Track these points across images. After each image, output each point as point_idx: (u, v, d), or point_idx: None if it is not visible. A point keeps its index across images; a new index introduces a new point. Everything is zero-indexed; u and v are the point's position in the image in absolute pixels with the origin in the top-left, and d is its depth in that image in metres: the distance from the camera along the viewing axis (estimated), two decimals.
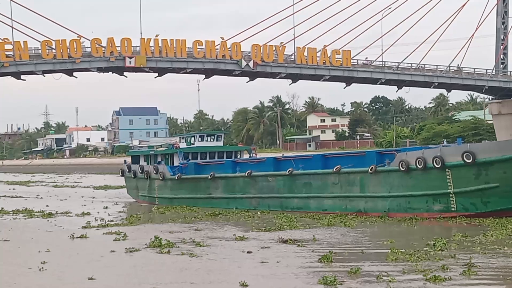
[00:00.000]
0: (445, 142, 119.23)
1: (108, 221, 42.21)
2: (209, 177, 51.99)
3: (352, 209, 42.11)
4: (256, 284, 21.60)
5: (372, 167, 41.27)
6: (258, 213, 45.73)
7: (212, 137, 60.94)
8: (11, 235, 36.43)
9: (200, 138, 60.25)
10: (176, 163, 57.49)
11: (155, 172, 57.78)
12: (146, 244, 30.59)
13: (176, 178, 55.05)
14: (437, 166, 38.24)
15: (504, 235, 30.65)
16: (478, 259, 24.76)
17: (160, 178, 56.94)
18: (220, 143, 61.08)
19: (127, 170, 63.89)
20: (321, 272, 22.91)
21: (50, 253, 29.21)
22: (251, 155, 61.06)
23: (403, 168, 39.62)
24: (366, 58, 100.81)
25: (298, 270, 23.83)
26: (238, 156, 58.57)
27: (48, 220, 44.78)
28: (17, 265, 26.62)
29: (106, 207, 53.61)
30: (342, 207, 42.71)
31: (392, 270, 22.96)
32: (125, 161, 68.25)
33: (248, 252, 28.06)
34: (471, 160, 37.25)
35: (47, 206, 55.08)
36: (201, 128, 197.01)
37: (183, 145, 60.19)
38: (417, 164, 38.89)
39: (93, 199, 63.21)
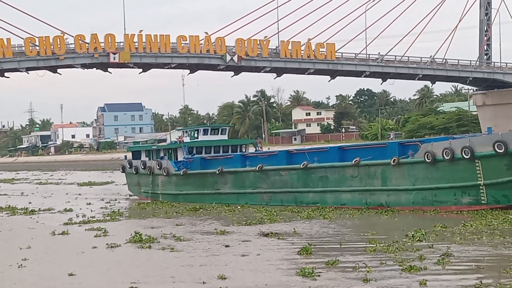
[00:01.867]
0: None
1: (90, 217, 42.13)
2: (217, 172, 50.09)
3: (374, 203, 40.62)
4: (235, 277, 21.78)
5: (394, 159, 39.67)
6: (239, 207, 45.69)
7: (216, 130, 59.14)
8: None
9: (204, 132, 58.24)
10: (180, 158, 55.63)
11: (158, 167, 55.65)
12: (126, 239, 30.69)
13: (182, 173, 53.00)
14: (466, 156, 36.90)
15: (483, 225, 30.93)
16: (455, 248, 25.04)
17: (164, 174, 54.87)
18: (225, 137, 59.28)
19: (128, 166, 61.53)
20: (300, 264, 23.06)
21: (31, 250, 29.26)
22: (257, 148, 59.24)
23: (428, 159, 38.16)
24: (431, 56, 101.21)
25: (277, 262, 24.02)
26: (243, 150, 57.02)
27: (31, 217, 44.67)
28: None
29: (89, 203, 53.49)
30: (362, 201, 41.22)
31: (370, 261, 23.19)
32: (125, 156, 66.60)
33: (226, 246, 28.21)
34: (503, 150, 35.98)
35: (29, 203, 54.98)
36: (190, 123, 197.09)
37: (186, 139, 58.44)
38: (444, 155, 37.55)
39: (77, 196, 62.88)
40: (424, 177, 38.96)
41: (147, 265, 24.87)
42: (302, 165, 44.44)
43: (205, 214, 42.94)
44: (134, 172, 59.78)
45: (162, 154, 58.40)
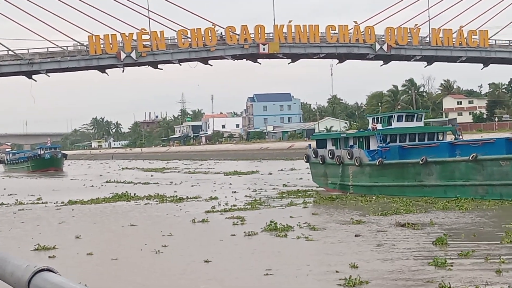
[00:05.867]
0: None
1: (232, 205, 42.77)
2: (420, 161, 45.52)
3: None
4: (366, 265, 21.97)
5: None
6: (374, 197, 45.20)
7: (411, 117, 54.07)
8: (140, 220, 37.88)
9: (398, 118, 53.09)
10: (372, 147, 50.95)
11: (349, 157, 51.60)
12: (262, 228, 31.13)
13: (377, 163, 48.82)
14: None
15: None
16: None
17: (356, 164, 50.75)
18: (420, 124, 53.81)
19: (313, 155, 57.08)
20: (435, 254, 23.03)
21: (172, 237, 30.17)
22: (457, 136, 53.67)
23: None
24: None
25: (411, 252, 24.11)
26: (441, 138, 51.68)
27: (177, 205, 45.91)
28: (139, 248, 27.64)
29: (235, 192, 54.10)
30: None
31: (506, 252, 22.97)
32: (309, 145, 62.27)
33: (356, 236, 28.28)
34: None
35: (175, 191, 55.91)
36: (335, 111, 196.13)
37: (379, 126, 53.06)
38: None
39: (222, 186, 62.78)
40: None
41: (282, 253, 25.29)
42: None
43: (342, 204, 42.81)
44: (320, 162, 55.79)
45: (351, 143, 53.98)
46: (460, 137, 53.62)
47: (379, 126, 52.74)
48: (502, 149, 41.42)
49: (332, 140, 57.21)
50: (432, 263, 21.58)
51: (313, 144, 60.72)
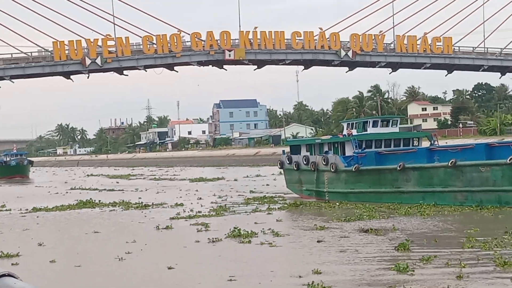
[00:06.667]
0: None
1: (197, 212, 42.71)
2: (398, 168, 44.63)
3: None
4: (329, 272, 22.12)
5: None
6: (337, 203, 45.26)
7: (387, 122, 53.37)
8: (104, 227, 37.81)
9: (373, 124, 52.39)
10: (348, 153, 49.94)
11: (324, 163, 50.59)
12: (225, 234, 31.16)
13: (353, 169, 47.69)
14: None
15: None
16: None
17: (332, 170, 49.62)
18: (396, 129, 53.17)
19: (288, 162, 56.00)
20: (397, 260, 23.17)
21: (136, 244, 30.10)
22: (432, 142, 52.19)
23: None
24: None
25: (374, 258, 24.29)
26: (416, 144, 50.98)
27: (142, 211, 45.81)
28: (102, 255, 27.64)
29: (200, 198, 53.90)
30: None
31: (466, 257, 23.25)
32: (283, 151, 61.22)
33: (318, 241, 28.44)
34: None
35: (139, 198, 55.75)
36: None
37: (354, 132, 51.95)
38: None
39: (187, 192, 62.19)
40: None
41: (245, 259, 25.38)
42: (510, 160, 38.58)
43: (306, 210, 42.93)
44: (295, 168, 54.70)
45: (326, 149, 52.81)
46: (436, 143, 52.91)
47: (354, 132, 51.86)
48: (481, 155, 40.97)
49: (307, 146, 56.12)
50: (394, 268, 21.78)
51: (287, 150, 59.70)
